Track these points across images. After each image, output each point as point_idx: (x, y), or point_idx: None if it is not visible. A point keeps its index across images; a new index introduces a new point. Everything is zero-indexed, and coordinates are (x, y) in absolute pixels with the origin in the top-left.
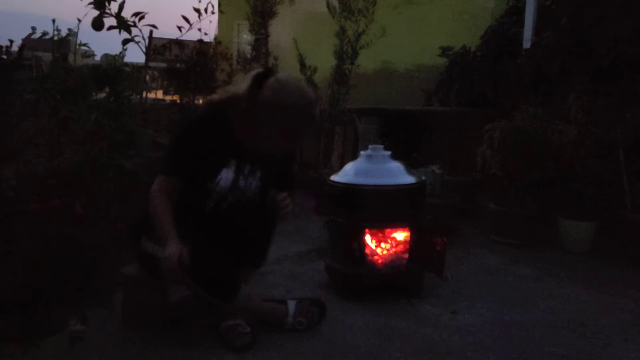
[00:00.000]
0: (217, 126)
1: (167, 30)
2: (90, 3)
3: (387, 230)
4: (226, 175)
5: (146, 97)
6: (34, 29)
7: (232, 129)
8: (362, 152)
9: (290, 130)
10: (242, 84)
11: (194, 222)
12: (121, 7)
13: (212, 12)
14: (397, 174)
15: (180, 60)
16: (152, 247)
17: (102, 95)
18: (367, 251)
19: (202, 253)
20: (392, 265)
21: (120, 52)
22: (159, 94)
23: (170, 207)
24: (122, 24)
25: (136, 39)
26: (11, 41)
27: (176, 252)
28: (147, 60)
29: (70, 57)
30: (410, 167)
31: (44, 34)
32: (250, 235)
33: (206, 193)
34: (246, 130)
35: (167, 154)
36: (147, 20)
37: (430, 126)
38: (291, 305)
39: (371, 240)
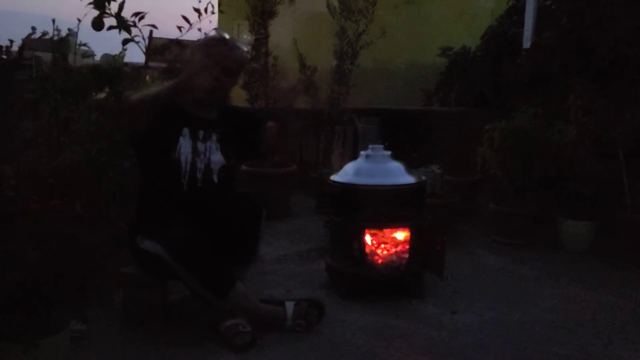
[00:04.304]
0: (162, 101)
1: (167, 30)
2: (90, 3)
3: (387, 230)
4: (184, 143)
5: None
6: (34, 29)
7: (175, 100)
8: (362, 152)
9: (213, 58)
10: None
11: (177, 205)
12: (121, 7)
13: (212, 12)
14: (397, 174)
15: (180, 60)
16: (148, 244)
17: (102, 95)
18: (367, 251)
19: (195, 244)
20: (392, 265)
21: (120, 52)
22: None
23: None
24: (122, 24)
25: (136, 39)
26: (11, 41)
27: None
28: (147, 60)
29: (70, 57)
30: (410, 167)
31: (44, 34)
32: (235, 227)
33: (175, 165)
34: (182, 88)
35: None
36: (147, 20)
37: (430, 126)
38: (289, 307)
39: (371, 240)
